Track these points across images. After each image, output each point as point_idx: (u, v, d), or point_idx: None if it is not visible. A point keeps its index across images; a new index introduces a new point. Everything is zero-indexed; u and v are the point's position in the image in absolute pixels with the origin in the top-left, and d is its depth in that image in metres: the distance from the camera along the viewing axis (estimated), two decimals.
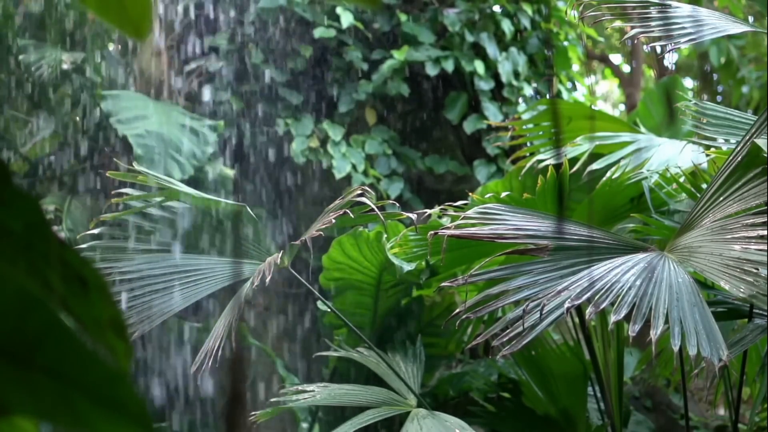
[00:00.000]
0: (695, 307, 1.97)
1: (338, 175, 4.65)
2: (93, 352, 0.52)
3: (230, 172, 4.56)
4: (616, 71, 10.64)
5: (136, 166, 2.81)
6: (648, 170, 2.87)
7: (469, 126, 4.97)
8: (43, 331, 0.51)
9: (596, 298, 2.00)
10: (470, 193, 3.07)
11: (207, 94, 4.84)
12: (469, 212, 2.42)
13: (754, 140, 2.18)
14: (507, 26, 5.09)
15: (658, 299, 1.98)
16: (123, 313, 2.52)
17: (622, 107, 11.06)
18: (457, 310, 2.24)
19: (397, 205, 3.01)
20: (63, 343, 0.52)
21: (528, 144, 3.66)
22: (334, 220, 2.55)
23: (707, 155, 2.71)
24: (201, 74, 4.92)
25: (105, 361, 0.52)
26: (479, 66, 4.97)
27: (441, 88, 5.07)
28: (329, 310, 3.07)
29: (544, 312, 2.02)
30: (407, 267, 2.96)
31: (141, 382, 4.12)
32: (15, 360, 0.51)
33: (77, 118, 4.51)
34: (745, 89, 7.80)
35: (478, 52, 5.06)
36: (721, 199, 2.21)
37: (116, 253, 2.77)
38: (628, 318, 1.97)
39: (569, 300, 2.00)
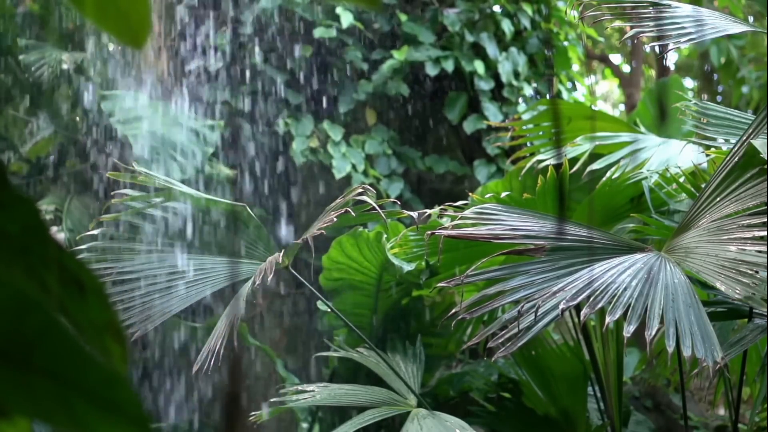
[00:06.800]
0: (690, 308, 1.98)
1: (338, 175, 4.65)
2: (90, 353, 0.52)
3: (230, 172, 4.56)
4: (616, 71, 10.64)
5: (136, 166, 2.81)
6: (648, 170, 2.87)
7: (469, 126, 4.97)
8: (41, 333, 0.52)
9: (591, 298, 2.00)
10: (470, 193, 3.07)
11: (207, 94, 4.84)
12: (467, 212, 2.43)
13: (751, 141, 2.18)
14: (507, 26, 5.09)
15: (654, 300, 1.98)
16: (120, 317, 2.52)
17: (622, 107, 11.06)
18: (454, 310, 2.24)
19: (398, 203, 3.01)
20: (61, 344, 0.52)
21: (528, 144, 3.67)
22: (335, 219, 2.55)
23: (707, 155, 2.71)
24: (201, 74, 4.93)
25: (102, 363, 0.52)
26: (479, 66, 4.97)
27: (441, 88, 5.07)
28: (329, 310, 3.07)
29: (539, 313, 2.02)
30: (407, 267, 2.96)
31: (141, 382, 4.12)
32: (13, 361, 0.51)
33: (77, 118, 4.52)
34: (745, 89, 7.80)
35: (478, 52, 5.06)
36: (719, 199, 2.21)
37: (116, 253, 2.77)
38: (625, 318, 1.98)
39: (564, 301, 2.00)
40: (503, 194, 2.86)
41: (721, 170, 2.27)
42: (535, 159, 3.17)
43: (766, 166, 2.13)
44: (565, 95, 5.53)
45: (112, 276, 2.68)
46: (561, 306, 1.99)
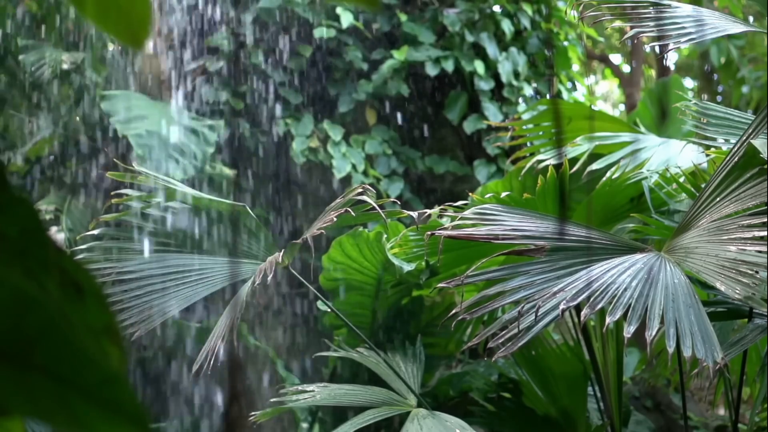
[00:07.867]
0: (691, 309, 1.97)
1: (338, 175, 4.65)
2: (90, 352, 0.52)
3: (230, 172, 4.56)
4: (616, 71, 10.64)
5: (136, 166, 2.81)
6: (648, 170, 2.87)
7: (469, 126, 4.97)
8: (41, 332, 0.52)
9: (591, 299, 2.00)
10: (470, 193, 3.07)
11: (207, 94, 4.84)
12: (466, 213, 2.42)
13: (751, 141, 2.18)
14: (507, 26, 5.09)
15: (654, 300, 1.98)
16: (119, 319, 2.53)
17: (622, 107, 11.06)
18: (454, 311, 2.24)
19: (398, 203, 3.00)
20: (60, 343, 0.52)
21: (528, 144, 3.67)
22: (335, 219, 2.55)
23: (707, 155, 2.71)
24: (201, 74, 4.93)
25: (102, 362, 0.52)
26: (479, 66, 4.97)
27: (441, 88, 5.07)
28: (329, 310, 3.07)
29: (539, 313, 2.02)
30: (407, 267, 2.96)
31: (141, 382, 4.12)
32: (12, 360, 0.51)
33: (77, 119, 4.52)
34: (745, 89, 7.81)
35: (478, 52, 5.06)
36: (718, 199, 2.21)
37: (116, 254, 2.77)
38: (626, 318, 1.97)
39: (564, 301, 2.00)
40: (503, 194, 2.85)
41: (721, 170, 2.27)
42: (535, 159, 3.17)
43: (766, 166, 2.13)
44: (565, 95, 5.53)
45: (112, 276, 2.68)
46: (561, 306, 1.99)
